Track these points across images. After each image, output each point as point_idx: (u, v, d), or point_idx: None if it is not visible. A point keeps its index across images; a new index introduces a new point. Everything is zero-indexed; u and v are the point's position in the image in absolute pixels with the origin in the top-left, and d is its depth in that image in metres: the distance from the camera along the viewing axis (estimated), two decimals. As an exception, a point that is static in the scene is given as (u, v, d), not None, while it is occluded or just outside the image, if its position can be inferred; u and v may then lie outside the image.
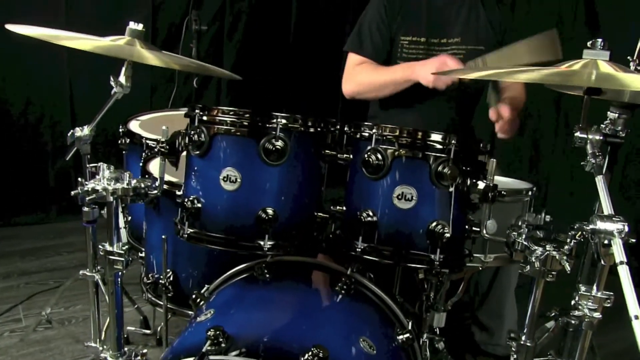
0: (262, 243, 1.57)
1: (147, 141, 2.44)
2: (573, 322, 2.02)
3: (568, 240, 1.39)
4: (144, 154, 2.44)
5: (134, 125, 2.65)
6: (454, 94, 2.31)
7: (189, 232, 1.63)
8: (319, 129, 1.62)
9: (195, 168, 1.63)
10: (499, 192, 1.50)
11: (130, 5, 3.47)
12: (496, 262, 1.85)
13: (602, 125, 1.87)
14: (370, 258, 1.55)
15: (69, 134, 2.02)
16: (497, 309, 2.33)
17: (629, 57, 1.77)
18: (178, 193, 1.75)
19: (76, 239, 3.47)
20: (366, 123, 1.58)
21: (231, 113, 1.57)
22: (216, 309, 1.63)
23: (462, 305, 2.51)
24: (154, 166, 2.22)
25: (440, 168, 1.47)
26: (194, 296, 1.79)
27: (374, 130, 1.50)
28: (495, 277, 2.29)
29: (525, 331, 1.51)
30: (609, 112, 1.85)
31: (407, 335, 1.67)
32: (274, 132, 1.53)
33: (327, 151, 1.64)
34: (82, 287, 2.86)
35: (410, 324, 1.72)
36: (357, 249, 1.54)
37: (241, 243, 1.60)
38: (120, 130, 2.62)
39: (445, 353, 2.10)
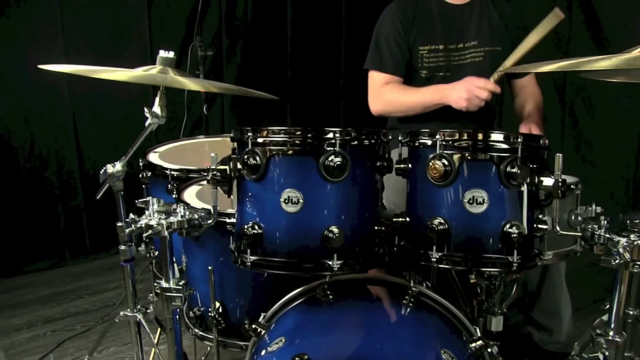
0: (331, 263, 1.52)
1: (172, 172, 2.40)
2: (631, 312, 2.03)
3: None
4: (169, 185, 2.42)
5: (154, 157, 2.60)
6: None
7: (252, 259, 1.57)
8: (372, 141, 1.59)
9: (251, 193, 1.58)
10: (567, 186, 1.47)
11: (127, 37, 3.41)
12: (554, 258, 1.82)
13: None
14: (447, 267, 1.51)
15: (101, 172, 1.94)
16: (553, 307, 2.30)
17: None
18: (229, 221, 1.70)
19: (94, 280, 3.38)
20: (424, 130, 1.55)
21: (285, 132, 1.52)
22: (287, 336, 1.57)
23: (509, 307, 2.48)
24: (189, 196, 2.17)
25: (509, 168, 1.44)
26: (253, 326, 1.73)
27: (437, 137, 1.47)
28: (545, 275, 2.26)
29: (612, 327, 1.47)
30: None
31: (480, 342, 1.63)
32: (332, 148, 1.49)
33: (381, 163, 1.61)
34: (111, 329, 2.80)
35: (477, 330, 1.69)
36: (433, 259, 1.50)
37: (308, 265, 1.55)
38: (141, 163, 2.56)
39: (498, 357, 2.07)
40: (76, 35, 3.27)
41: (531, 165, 1.45)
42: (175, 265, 1.67)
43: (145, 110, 1.81)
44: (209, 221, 1.64)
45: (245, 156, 1.54)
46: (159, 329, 2.26)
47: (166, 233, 1.57)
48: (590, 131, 3.60)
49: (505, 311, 2.03)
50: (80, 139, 3.45)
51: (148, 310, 2.16)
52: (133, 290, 2.14)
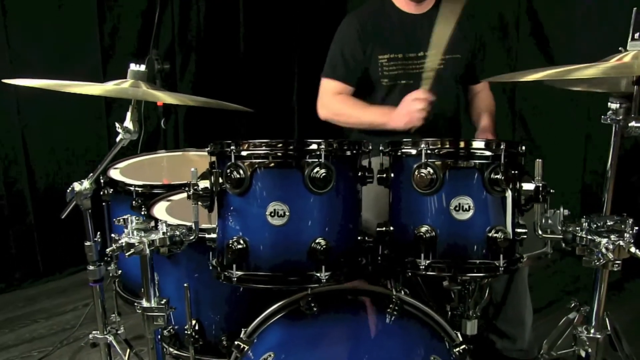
0: (319, 275, 1.51)
1: (137, 188, 2.34)
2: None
3: (628, 229, 1.42)
4: (133, 202, 2.35)
5: (115, 174, 2.52)
6: (429, 122, 2.36)
7: (238, 274, 1.54)
8: (354, 151, 1.59)
9: (234, 207, 1.55)
10: (547, 191, 1.51)
11: (77, 51, 3.31)
12: (527, 262, 1.86)
13: (602, 116, 1.96)
14: (434, 274, 1.52)
15: (68, 190, 1.88)
16: (517, 315, 2.34)
17: (620, 48, 1.86)
18: (209, 236, 1.66)
19: (49, 303, 3.24)
20: (407, 139, 1.56)
21: (268, 145, 1.51)
22: (274, 351, 1.55)
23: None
24: (159, 212, 2.11)
25: (493, 175, 1.47)
26: (236, 342, 1.70)
27: (422, 146, 1.49)
28: (511, 284, 2.31)
29: (593, 324, 1.52)
30: (609, 104, 1.93)
31: (463, 346, 1.65)
32: (317, 160, 1.48)
33: (362, 173, 1.61)
34: (68, 353, 2.70)
35: (459, 335, 1.71)
36: (421, 266, 1.51)
37: (295, 278, 1.53)
38: (102, 180, 2.48)
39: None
40: (24, 50, 3.14)
41: (513, 172, 1.49)
42: (155, 284, 1.61)
43: (117, 125, 1.76)
44: (191, 237, 1.60)
45: (228, 170, 1.52)
46: (127, 350, 2.19)
47: (148, 251, 1.52)
48: (540, 137, 3.71)
49: (479, 315, 2.06)
50: (30, 156, 3.31)
51: (119, 332, 2.10)
52: (103, 311, 2.08)
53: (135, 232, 1.57)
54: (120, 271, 2.42)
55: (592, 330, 1.53)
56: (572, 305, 2.18)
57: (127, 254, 1.50)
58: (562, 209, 1.58)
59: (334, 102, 2.44)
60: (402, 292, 1.75)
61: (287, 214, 1.49)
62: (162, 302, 1.60)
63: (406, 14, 2.39)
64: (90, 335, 2.09)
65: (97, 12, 3.27)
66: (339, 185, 1.53)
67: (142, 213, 2.14)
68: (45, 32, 3.21)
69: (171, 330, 2.00)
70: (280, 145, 1.51)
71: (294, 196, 1.50)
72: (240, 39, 3.88)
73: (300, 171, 1.48)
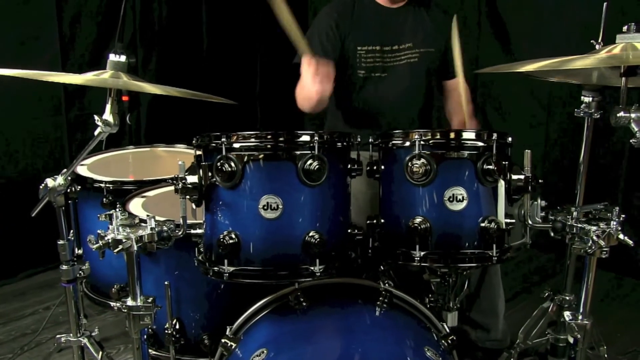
0: (313, 268, 1.49)
1: (107, 185, 2.26)
2: (567, 298, 2.15)
3: (615, 217, 1.46)
4: (104, 199, 2.27)
5: (82, 170, 2.43)
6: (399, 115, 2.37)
7: (229, 270, 1.50)
8: (344, 143, 1.58)
9: (225, 201, 1.52)
10: (537, 181, 1.54)
11: (36, 42, 3.17)
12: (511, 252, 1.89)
13: (576, 110, 2.01)
14: (427, 265, 1.53)
15: (40, 187, 1.79)
16: (491, 306, 2.37)
17: (592, 41, 1.91)
18: (195, 232, 1.62)
19: (5, 307, 3.08)
20: (398, 131, 1.56)
21: (259, 137, 1.48)
22: (267, 347, 1.51)
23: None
24: (135, 208, 2.05)
25: (485, 165, 1.49)
26: (223, 340, 1.66)
27: (416, 137, 1.49)
28: (485, 275, 2.34)
29: (581, 311, 1.55)
30: (582, 97, 1.98)
31: (452, 337, 1.66)
32: (310, 152, 1.46)
33: (352, 165, 1.60)
34: (35, 358, 2.59)
35: (445, 327, 1.72)
36: (416, 258, 1.51)
37: (288, 272, 1.51)
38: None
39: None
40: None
41: (504, 162, 1.51)
42: (140, 282, 1.55)
43: (96, 118, 1.69)
44: (179, 233, 1.55)
45: (219, 163, 1.48)
46: (100, 352, 2.10)
47: (136, 247, 1.46)
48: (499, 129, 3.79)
49: (458, 306, 2.08)
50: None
51: (94, 333, 2.02)
52: (76, 313, 1.99)
53: (120, 229, 1.51)
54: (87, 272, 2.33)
55: (580, 317, 1.56)
56: (546, 294, 2.23)
57: (115, 251, 1.44)
58: (539, 200, 1.61)
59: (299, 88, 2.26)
60: (389, 285, 1.75)
61: (281, 207, 1.46)
62: (149, 301, 1.55)
63: (382, 7, 2.39)
64: (63, 339, 2.00)
65: (55, 3, 3.13)
66: (330, 177, 1.51)
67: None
68: (1, 23, 3.06)
69: (149, 330, 1.94)
70: (272, 137, 1.48)
71: (288, 189, 1.48)
72: (203, 33, 3.80)
73: (293, 163, 1.46)
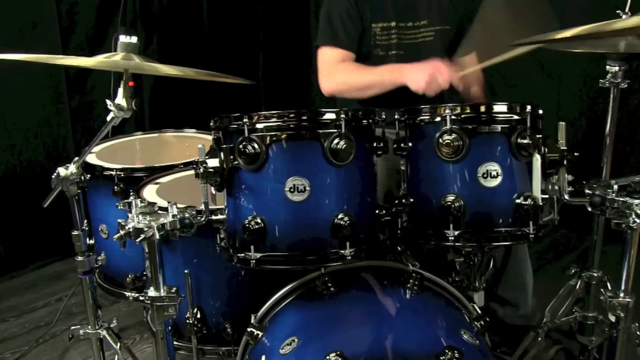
0: (343, 252, 1.43)
1: (118, 172, 2.20)
2: (595, 274, 2.11)
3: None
4: (115, 187, 2.21)
5: (91, 158, 2.36)
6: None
7: (257, 256, 1.44)
8: (370, 121, 1.51)
9: (248, 184, 1.45)
10: (572, 154, 1.48)
11: (34, 29, 3.08)
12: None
13: (601, 80, 1.94)
14: (462, 244, 1.47)
15: (53, 176, 1.73)
16: (519, 280, 2.32)
17: (618, 11, 1.84)
18: (216, 218, 1.56)
19: (17, 300, 3.04)
20: (426, 106, 1.50)
21: (282, 116, 1.41)
22: (298, 335, 1.46)
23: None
24: (149, 195, 1.99)
25: (520, 139, 1.42)
26: (249, 329, 1.61)
27: (446, 112, 1.42)
28: (510, 249, 2.28)
29: (623, 288, 1.49)
30: (607, 67, 1.92)
31: (483, 319, 1.61)
32: (337, 130, 1.40)
33: (378, 144, 1.53)
34: (46, 351, 2.55)
35: (476, 308, 1.67)
36: (450, 237, 1.45)
37: (317, 257, 1.45)
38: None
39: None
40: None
41: (538, 135, 1.44)
42: (163, 272, 1.49)
43: (108, 102, 1.62)
44: (202, 219, 1.49)
45: (241, 145, 1.41)
46: (118, 343, 2.06)
47: (158, 236, 1.40)
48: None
49: (484, 286, 2.03)
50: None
51: (112, 325, 1.97)
52: (94, 304, 1.94)
53: (140, 217, 1.45)
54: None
55: (622, 295, 1.50)
56: (573, 271, 2.18)
57: (137, 241, 1.38)
58: (565, 174, 1.55)
59: (338, 71, 2.25)
60: (416, 266, 1.70)
61: (308, 189, 1.40)
62: (173, 291, 1.49)
63: None
64: (81, 331, 1.95)
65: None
66: (357, 157, 1.45)
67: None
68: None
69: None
70: (296, 116, 1.41)
71: (314, 170, 1.41)
72: (204, 14, 3.72)
73: (320, 143, 1.39)
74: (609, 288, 2.01)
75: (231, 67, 3.82)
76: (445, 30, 2.36)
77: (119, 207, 1.48)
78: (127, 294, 2.35)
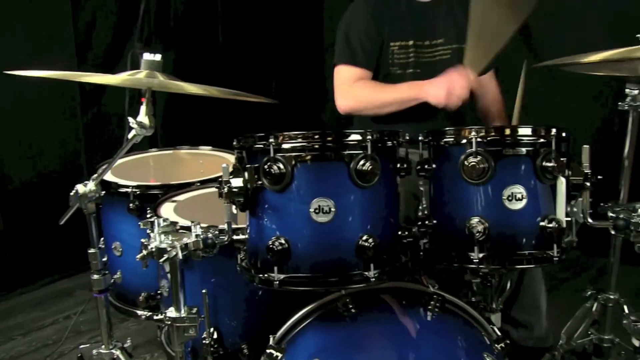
0: (367, 274, 1.42)
1: (134, 190, 2.19)
2: (612, 297, 2.09)
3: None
4: (130, 204, 2.20)
5: (106, 174, 2.34)
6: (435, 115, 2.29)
7: (280, 277, 1.43)
8: (394, 142, 1.51)
9: (273, 204, 1.44)
10: (596, 177, 1.48)
11: (50, 43, 3.09)
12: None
13: (620, 102, 1.94)
14: (485, 267, 1.46)
15: (71, 194, 1.72)
16: (533, 301, 2.31)
17: (638, 35, 1.85)
18: (237, 238, 1.55)
19: (24, 317, 3.02)
20: (450, 128, 1.50)
21: (307, 137, 1.41)
22: (319, 357, 1.45)
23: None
24: (167, 213, 1.97)
25: (545, 162, 1.42)
26: (269, 351, 1.58)
27: (472, 134, 1.42)
28: (524, 271, 2.27)
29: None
30: (627, 90, 1.92)
31: (506, 341, 1.59)
32: (362, 152, 1.39)
33: (401, 165, 1.53)
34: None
35: (495, 330, 1.65)
36: (475, 260, 1.44)
37: (340, 278, 1.44)
38: (91, 181, 2.31)
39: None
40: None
41: (562, 158, 1.44)
42: (184, 292, 1.48)
43: (130, 120, 1.63)
44: (225, 239, 1.48)
45: (266, 165, 1.41)
46: (131, 364, 2.04)
47: (181, 256, 1.39)
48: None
49: (501, 307, 2.02)
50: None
51: (126, 345, 1.96)
52: (108, 324, 1.93)
53: (162, 236, 1.44)
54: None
55: (645, 319, 1.49)
56: (589, 294, 2.17)
57: (160, 261, 1.37)
58: (588, 197, 1.55)
59: (355, 89, 2.28)
60: (435, 288, 1.69)
61: (333, 210, 1.39)
62: (193, 312, 1.48)
63: (415, 1, 2.32)
64: (94, 351, 1.93)
65: (70, 4, 3.06)
66: (382, 178, 1.44)
67: (149, 216, 2.00)
68: (15, 25, 2.99)
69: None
70: (322, 137, 1.41)
71: (340, 191, 1.41)
72: (218, 30, 3.74)
73: (346, 164, 1.39)
74: (626, 310, 2.02)
75: (245, 80, 3.87)
76: (462, 48, 2.35)
77: (141, 227, 1.47)
78: (140, 312, 2.33)
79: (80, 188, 1.74)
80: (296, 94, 4.14)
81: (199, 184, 2.23)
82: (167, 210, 2.00)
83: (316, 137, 1.41)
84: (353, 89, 2.29)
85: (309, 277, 1.44)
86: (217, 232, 1.48)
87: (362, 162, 1.39)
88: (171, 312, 1.48)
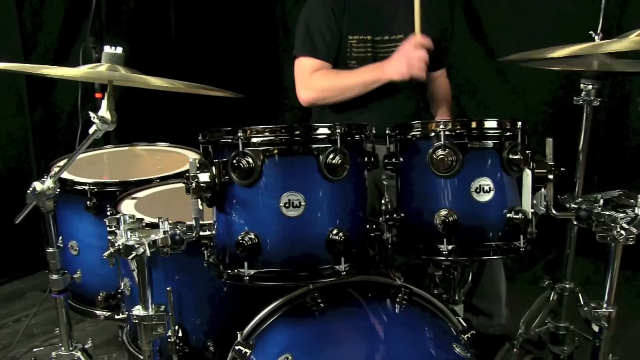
0: (338, 268, 1.42)
1: (91, 187, 2.13)
2: (568, 286, 2.16)
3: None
4: (88, 202, 2.14)
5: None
6: (412, 86, 2.31)
7: (250, 273, 1.41)
8: (362, 136, 1.51)
9: (241, 199, 1.42)
10: (559, 169, 1.52)
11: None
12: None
13: (575, 97, 2.00)
14: (453, 259, 1.48)
15: (28, 192, 1.66)
16: (494, 290, 2.36)
17: (591, 32, 1.91)
18: (204, 234, 1.52)
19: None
20: (418, 122, 1.51)
21: (276, 130, 1.39)
22: (290, 352, 1.44)
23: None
24: (128, 210, 1.93)
25: (511, 155, 1.45)
26: (237, 347, 1.57)
27: (441, 127, 1.43)
28: (485, 260, 2.31)
29: (606, 299, 1.53)
30: (582, 85, 1.98)
31: (472, 332, 1.62)
32: (332, 145, 1.39)
33: (368, 159, 1.53)
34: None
35: (461, 321, 1.68)
36: (444, 252, 1.46)
37: (310, 273, 1.43)
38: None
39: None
40: None
41: (528, 151, 1.47)
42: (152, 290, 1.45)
43: (92, 115, 1.57)
44: (192, 235, 1.46)
45: (235, 159, 1.38)
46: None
47: (149, 253, 1.36)
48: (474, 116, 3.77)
49: (463, 298, 2.05)
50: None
51: (87, 345, 1.91)
52: (68, 325, 1.87)
53: (128, 233, 1.40)
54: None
55: (605, 305, 1.54)
56: (546, 283, 2.24)
57: (129, 258, 1.33)
58: (543, 190, 1.59)
59: (316, 79, 2.28)
60: (401, 281, 1.70)
61: (303, 204, 1.38)
62: (162, 309, 1.45)
63: None
64: (53, 353, 1.87)
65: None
66: (351, 171, 1.44)
67: (108, 212, 1.95)
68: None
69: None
70: (290, 130, 1.40)
71: (309, 185, 1.40)
72: (171, 21, 3.66)
73: (315, 157, 1.38)
74: (581, 299, 2.09)
75: (198, 73, 3.80)
76: None
77: (107, 224, 1.42)
78: (99, 312, 2.27)
79: (37, 185, 1.68)
80: (251, 87, 4.09)
81: (158, 180, 2.19)
82: (128, 207, 1.95)
83: (284, 131, 1.40)
84: (313, 79, 2.28)
85: (278, 272, 1.43)
86: (184, 229, 1.45)
87: (331, 155, 1.38)
88: (138, 311, 1.44)
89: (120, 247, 1.35)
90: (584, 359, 1.80)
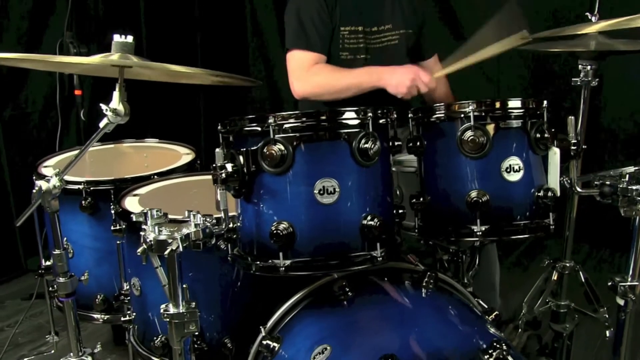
0: (375, 254, 1.40)
1: (86, 186, 2.05)
2: (568, 265, 2.20)
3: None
4: (83, 201, 2.06)
5: (49, 172, 2.16)
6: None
7: (286, 264, 1.37)
8: (387, 120, 1.49)
9: (272, 188, 1.38)
10: (582, 147, 1.54)
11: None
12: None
13: (573, 79, 2.03)
14: (484, 239, 1.48)
15: (34, 191, 1.57)
16: (489, 279, 2.37)
17: (587, 14, 1.94)
18: (233, 225, 1.47)
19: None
20: (439, 104, 1.50)
21: (308, 116, 1.36)
22: (328, 342, 1.40)
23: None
24: (133, 207, 1.85)
25: (538, 134, 1.46)
26: (265, 342, 1.53)
27: (470, 108, 1.43)
28: (482, 249, 2.33)
29: (631, 273, 1.56)
30: (580, 66, 2.01)
31: (495, 313, 1.63)
32: (364, 130, 1.37)
33: (393, 143, 1.51)
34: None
35: (481, 303, 1.69)
36: (478, 233, 1.46)
37: (339, 261, 1.40)
38: (34, 179, 2.13)
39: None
40: None
41: (553, 129, 1.49)
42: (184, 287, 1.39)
43: (103, 107, 1.49)
44: (222, 228, 1.41)
45: (265, 147, 1.34)
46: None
47: (182, 248, 1.30)
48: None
49: (472, 282, 2.06)
50: None
51: (96, 350, 1.83)
52: (77, 329, 1.79)
53: (156, 228, 1.34)
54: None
55: (630, 279, 1.56)
56: (547, 263, 2.27)
57: (165, 254, 1.28)
58: (575, 167, 1.61)
59: (313, 74, 2.24)
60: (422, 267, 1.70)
61: (338, 190, 1.35)
62: (193, 306, 1.39)
63: None
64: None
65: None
66: (381, 156, 1.42)
67: (112, 211, 1.88)
68: None
69: (163, 339, 1.77)
70: (320, 116, 1.36)
71: (343, 170, 1.37)
72: (141, 22, 3.55)
73: (348, 143, 1.36)
74: (581, 276, 2.14)
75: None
76: (408, 33, 2.40)
77: (135, 219, 1.36)
78: (97, 316, 2.19)
79: (43, 184, 1.59)
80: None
81: (155, 177, 2.12)
82: (132, 204, 1.88)
83: (316, 116, 1.36)
84: (310, 74, 2.24)
85: (308, 262, 1.39)
86: (214, 222, 1.40)
87: (363, 140, 1.36)
88: (171, 308, 1.38)
89: (152, 242, 1.28)
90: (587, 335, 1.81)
